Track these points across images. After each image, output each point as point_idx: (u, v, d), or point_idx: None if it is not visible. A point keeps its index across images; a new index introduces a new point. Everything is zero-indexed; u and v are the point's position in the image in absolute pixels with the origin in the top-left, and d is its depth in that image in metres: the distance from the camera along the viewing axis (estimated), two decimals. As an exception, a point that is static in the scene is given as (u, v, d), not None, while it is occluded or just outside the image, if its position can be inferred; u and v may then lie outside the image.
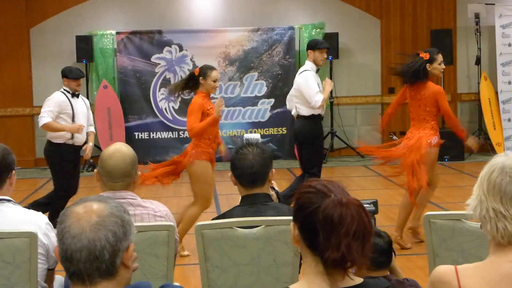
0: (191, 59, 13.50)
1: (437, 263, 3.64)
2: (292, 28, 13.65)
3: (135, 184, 3.84)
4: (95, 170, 3.84)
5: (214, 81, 7.18)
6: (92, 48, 13.19)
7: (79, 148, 8.15)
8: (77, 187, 8.30)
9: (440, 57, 7.42)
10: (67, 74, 8.30)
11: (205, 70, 7.25)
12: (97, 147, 12.87)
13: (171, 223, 3.74)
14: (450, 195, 9.80)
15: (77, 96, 8.22)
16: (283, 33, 13.62)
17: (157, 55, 13.47)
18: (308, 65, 8.32)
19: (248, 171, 3.80)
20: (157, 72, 13.45)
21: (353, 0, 13.93)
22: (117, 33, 13.38)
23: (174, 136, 13.52)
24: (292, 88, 8.47)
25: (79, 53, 13.09)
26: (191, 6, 13.80)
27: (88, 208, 2.17)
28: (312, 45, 8.39)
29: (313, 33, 13.56)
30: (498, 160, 2.53)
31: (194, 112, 7.11)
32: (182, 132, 13.44)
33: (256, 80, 13.68)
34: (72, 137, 8.01)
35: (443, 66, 7.45)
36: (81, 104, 8.24)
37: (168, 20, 13.67)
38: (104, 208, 2.18)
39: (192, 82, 7.30)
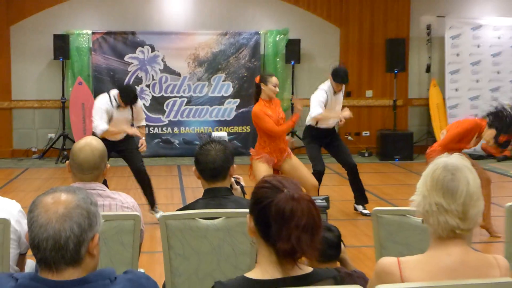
0: (162, 60, 13.45)
1: (383, 255, 3.66)
2: (258, 33, 13.66)
3: (104, 176, 3.83)
4: (67, 162, 3.82)
5: (274, 86, 7.28)
6: (68, 47, 13.07)
7: (109, 141, 7.73)
8: None
9: None
10: (120, 92, 7.89)
11: (265, 77, 7.38)
12: (71, 139, 12.80)
13: (137, 213, 3.73)
14: (399, 192, 9.90)
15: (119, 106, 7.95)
16: (250, 38, 13.62)
17: (130, 55, 13.38)
18: (326, 85, 8.52)
19: (210, 166, 3.80)
20: (130, 71, 13.37)
21: (315, 9, 13.98)
22: (93, 33, 13.26)
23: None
24: None
25: (56, 51, 12.96)
26: (163, 10, 13.74)
27: (56, 199, 2.16)
28: (333, 74, 8.50)
29: (277, 38, 13.60)
30: (441, 159, 2.57)
31: (265, 118, 7.26)
32: (152, 128, 13.40)
33: (223, 81, 13.66)
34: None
35: None
36: (126, 113, 8.00)
37: (142, 22, 13.60)
38: (71, 200, 2.16)
39: (256, 90, 7.42)
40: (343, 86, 8.66)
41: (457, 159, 2.55)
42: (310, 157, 8.51)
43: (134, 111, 8.13)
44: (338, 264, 3.79)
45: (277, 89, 7.34)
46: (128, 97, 7.88)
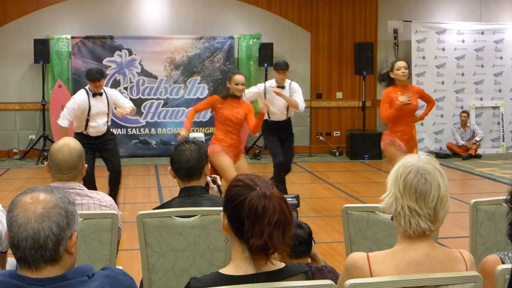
0: (139, 63, 13.40)
1: (353, 250, 3.67)
2: (232, 37, 13.65)
3: (82, 176, 3.79)
4: (45, 163, 3.78)
5: (236, 84, 7.25)
6: (48, 51, 12.96)
7: (92, 138, 7.95)
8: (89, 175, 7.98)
9: (396, 65, 7.53)
10: (85, 75, 8.09)
11: (229, 75, 7.42)
12: (51, 140, 12.69)
13: (115, 212, 3.69)
14: (369, 190, 9.92)
15: (100, 94, 7.97)
16: (224, 42, 13.61)
17: (108, 59, 13.31)
18: (271, 81, 8.52)
19: (185, 165, 3.77)
20: (108, 74, 13.28)
21: (286, 14, 14.00)
22: (72, 37, 13.17)
23: (122, 133, 13.38)
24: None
25: (37, 55, 12.85)
26: (140, 14, 13.69)
27: (35, 199, 2.13)
28: (273, 67, 8.64)
29: (251, 42, 13.60)
30: (411, 161, 2.53)
31: (202, 102, 7.72)
32: (130, 129, 13.35)
33: (198, 83, 13.64)
34: (86, 129, 7.94)
35: (402, 70, 7.47)
36: (102, 104, 7.99)
37: (119, 27, 13.54)
38: (50, 200, 2.14)
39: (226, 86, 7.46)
40: (290, 84, 8.51)
41: (428, 161, 2.53)
42: (270, 151, 8.53)
43: (110, 101, 8.08)
44: (309, 260, 3.78)
45: (240, 87, 7.26)
46: (92, 75, 7.90)
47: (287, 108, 8.46)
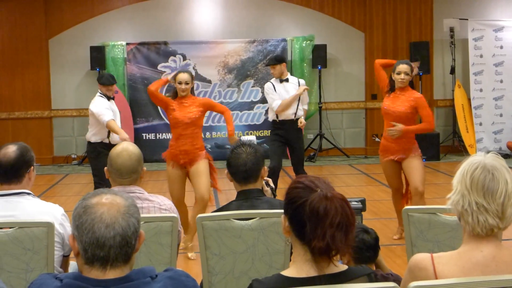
0: (193, 68, 13.50)
1: (414, 252, 3.63)
2: (284, 40, 13.66)
3: (141, 179, 3.84)
4: (105, 168, 3.83)
5: (180, 83, 6.74)
6: (104, 57, 13.18)
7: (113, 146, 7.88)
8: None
9: (397, 68, 6.92)
10: (98, 79, 8.13)
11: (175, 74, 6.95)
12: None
13: (175, 215, 3.73)
14: (427, 192, 9.74)
15: (113, 98, 7.98)
16: (277, 45, 13.62)
17: (163, 64, 13.46)
18: (273, 77, 8.32)
19: (242, 168, 3.77)
20: (163, 79, 13.45)
21: (340, 15, 13.94)
22: (127, 44, 13.37)
23: (178, 137, 13.51)
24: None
25: (93, 62, 13.10)
26: (193, 19, 13.80)
27: (111, 200, 2.15)
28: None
29: (304, 44, 13.57)
30: (477, 158, 2.50)
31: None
32: (186, 133, 13.44)
33: (252, 87, 13.67)
34: (108, 136, 7.77)
35: (401, 76, 6.88)
36: (115, 106, 8.01)
37: (173, 32, 13.68)
38: (124, 199, 2.18)
39: None
40: (289, 76, 8.27)
41: (494, 158, 2.50)
42: (269, 152, 8.18)
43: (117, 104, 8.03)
44: (374, 267, 3.74)
45: (182, 87, 6.68)
46: (107, 80, 7.96)
47: (297, 104, 8.13)
